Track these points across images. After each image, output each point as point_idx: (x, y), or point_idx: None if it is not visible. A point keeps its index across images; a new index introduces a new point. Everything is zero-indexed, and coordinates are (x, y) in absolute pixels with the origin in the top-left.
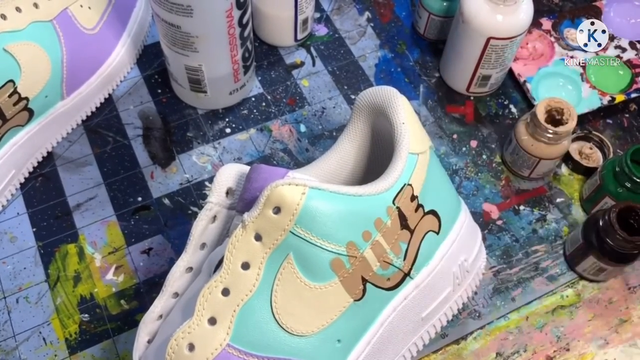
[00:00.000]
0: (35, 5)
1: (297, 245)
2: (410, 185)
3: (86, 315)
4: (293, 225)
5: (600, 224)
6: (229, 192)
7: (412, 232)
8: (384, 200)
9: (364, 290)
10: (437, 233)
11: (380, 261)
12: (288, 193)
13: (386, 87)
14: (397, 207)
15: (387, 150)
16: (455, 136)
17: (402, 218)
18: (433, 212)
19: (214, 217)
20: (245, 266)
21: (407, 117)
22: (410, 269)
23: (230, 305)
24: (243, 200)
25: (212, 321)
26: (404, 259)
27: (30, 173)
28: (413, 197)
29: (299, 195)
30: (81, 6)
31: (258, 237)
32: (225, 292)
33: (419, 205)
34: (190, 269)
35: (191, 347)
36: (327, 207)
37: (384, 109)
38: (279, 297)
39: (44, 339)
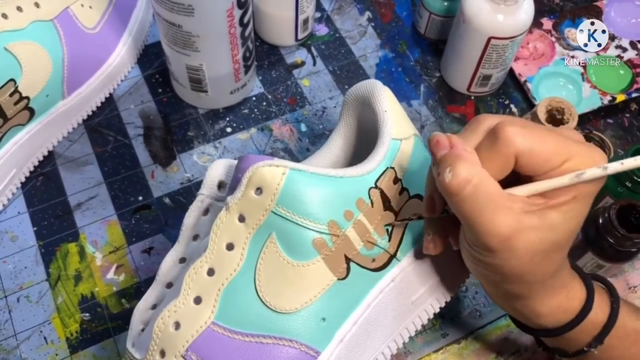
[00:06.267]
0: (36, 4)
1: (279, 224)
2: (392, 168)
3: (87, 314)
4: (274, 205)
5: (600, 220)
6: (221, 186)
7: (396, 214)
8: (365, 182)
9: (348, 269)
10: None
11: (364, 241)
12: (268, 173)
13: (370, 80)
14: (380, 189)
15: (375, 140)
16: None
17: (385, 199)
18: (419, 197)
19: (207, 210)
20: (230, 247)
21: (389, 106)
22: (397, 250)
23: (215, 284)
24: (232, 189)
25: (198, 300)
26: (389, 240)
27: (31, 172)
28: (396, 180)
29: (279, 175)
30: (82, 5)
31: (241, 219)
32: (210, 272)
33: (403, 189)
34: (183, 259)
35: (177, 325)
36: (307, 187)
37: (368, 99)
38: (262, 276)
39: (44, 338)
